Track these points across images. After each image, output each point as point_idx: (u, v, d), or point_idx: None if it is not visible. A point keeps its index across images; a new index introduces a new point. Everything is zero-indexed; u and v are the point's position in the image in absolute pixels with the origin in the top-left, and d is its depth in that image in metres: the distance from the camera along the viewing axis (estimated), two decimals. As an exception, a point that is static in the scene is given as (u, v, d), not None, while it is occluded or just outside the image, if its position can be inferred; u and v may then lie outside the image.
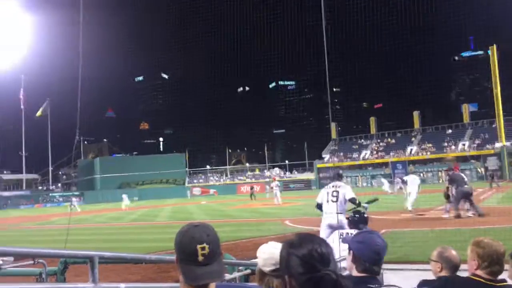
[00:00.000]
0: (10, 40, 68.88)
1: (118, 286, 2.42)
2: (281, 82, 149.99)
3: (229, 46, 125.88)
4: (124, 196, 39.91)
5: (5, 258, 5.11)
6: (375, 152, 71.28)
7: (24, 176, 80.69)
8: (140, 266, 7.72)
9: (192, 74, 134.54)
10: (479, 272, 2.93)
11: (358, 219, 5.52)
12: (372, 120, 78.75)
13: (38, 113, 77.38)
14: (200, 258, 1.66)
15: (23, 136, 77.57)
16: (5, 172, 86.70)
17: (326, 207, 7.94)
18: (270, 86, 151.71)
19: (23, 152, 78.56)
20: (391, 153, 68.17)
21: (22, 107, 77.89)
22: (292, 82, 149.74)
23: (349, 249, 2.40)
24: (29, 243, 16.88)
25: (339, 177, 8.27)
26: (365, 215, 5.64)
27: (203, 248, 1.67)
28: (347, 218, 5.85)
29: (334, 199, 7.54)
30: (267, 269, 2.38)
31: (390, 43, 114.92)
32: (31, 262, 5.33)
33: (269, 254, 2.39)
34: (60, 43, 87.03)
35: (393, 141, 72.95)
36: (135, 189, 72.01)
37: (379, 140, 74.62)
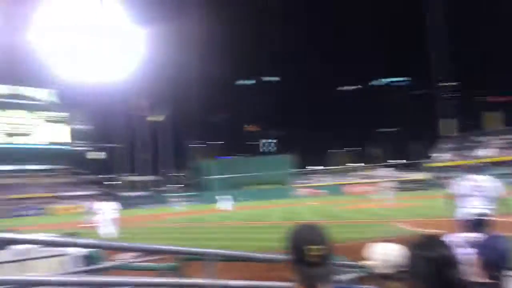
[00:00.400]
0: (125, 51, 75.25)
1: (227, 283, 2.51)
2: (389, 79, 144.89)
3: (332, 43, 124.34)
4: (226, 197, 41.16)
5: (133, 254, 5.60)
6: (497, 150, 65.63)
7: (146, 177, 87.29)
8: (249, 264, 7.90)
9: (296, 74, 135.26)
10: None
11: (479, 222, 5.06)
12: (490, 115, 72.78)
13: (158, 118, 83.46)
14: (312, 259, 1.67)
15: (146, 141, 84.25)
16: (127, 174, 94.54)
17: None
18: (377, 83, 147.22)
19: (146, 155, 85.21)
20: (515, 150, 62.35)
21: (141, 113, 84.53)
22: (402, 78, 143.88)
23: (476, 254, 2.25)
24: (152, 240, 18.17)
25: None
26: (488, 218, 5.15)
27: (314, 250, 1.67)
28: (466, 222, 5.35)
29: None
30: (383, 271, 2.31)
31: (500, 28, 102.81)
32: (154, 258, 5.77)
33: (385, 256, 2.32)
34: (172, 52, 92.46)
35: (518, 137, 66.63)
36: (242, 190, 74.16)
37: (500, 136, 68.58)
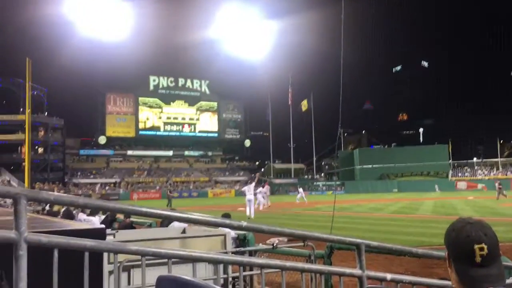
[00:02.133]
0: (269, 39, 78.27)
1: (385, 276, 2.43)
2: None
3: (493, 24, 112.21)
4: (300, 190, 40.87)
5: (280, 239, 5.79)
6: None
7: (292, 165, 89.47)
8: (402, 259, 7.62)
9: (454, 59, 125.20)
10: None
11: None
12: None
13: (303, 108, 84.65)
14: (478, 259, 1.52)
15: (291, 129, 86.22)
16: (276, 161, 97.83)
17: None
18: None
19: (291, 143, 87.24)
20: None
21: (290, 103, 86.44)
22: None
23: None
24: (297, 226, 18.59)
25: None
26: None
27: (481, 249, 1.52)
28: None
29: None
30: None
31: None
32: (301, 244, 5.88)
33: None
34: (321, 40, 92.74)
35: None
36: (394, 180, 71.50)
37: None
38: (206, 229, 5.78)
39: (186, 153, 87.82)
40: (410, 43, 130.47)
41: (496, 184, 38.81)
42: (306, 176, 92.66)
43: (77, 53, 69.14)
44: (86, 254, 2.13)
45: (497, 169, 75.87)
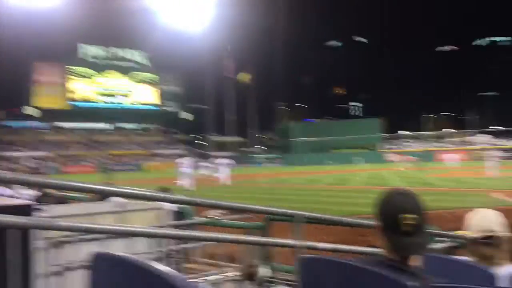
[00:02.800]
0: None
1: (316, 245, 2.51)
2: (490, 38, 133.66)
3: (427, 1, 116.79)
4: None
5: (219, 212, 5.82)
6: None
7: (230, 138, 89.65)
8: (336, 228, 7.91)
9: (387, 35, 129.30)
10: None
11: None
12: None
13: (242, 80, 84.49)
14: (405, 228, 1.59)
15: (230, 102, 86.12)
16: (215, 134, 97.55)
17: None
18: (476, 43, 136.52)
19: (230, 116, 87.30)
20: None
21: (228, 75, 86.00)
22: (506, 38, 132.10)
23: None
24: (240, 199, 18.78)
25: None
26: None
27: (410, 218, 1.59)
28: None
29: None
30: (474, 236, 2.24)
31: None
32: (241, 216, 5.95)
33: (477, 221, 2.26)
34: (260, 13, 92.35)
35: None
36: (329, 153, 73.65)
37: None
38: (145, 203, 5.67)
39: (123, 125, 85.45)
40: (346, 18, 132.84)
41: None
42: (244, 149, 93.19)
43: (2, 19, 64.62)
44: (9, 232, 2.01)
45: (425, 141, 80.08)
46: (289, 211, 2.62)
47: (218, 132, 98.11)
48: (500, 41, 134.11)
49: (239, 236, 2.75)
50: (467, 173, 32.08)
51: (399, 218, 1.60)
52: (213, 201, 2.39)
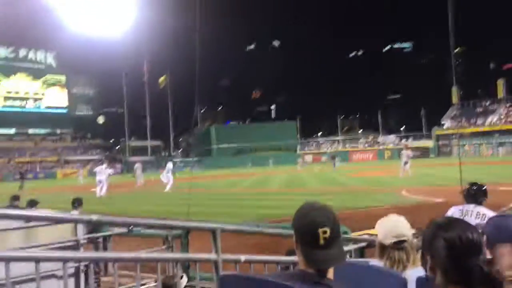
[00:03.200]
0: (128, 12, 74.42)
1: (239, 258, 2.51)
2: (396, 45, 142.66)
3: (340, 9, 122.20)
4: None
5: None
6: (503, 118, 65.14)
7: (149, 143, 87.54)
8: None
9: (302, 40, 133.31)
10: None
11: (475, 191, 4.97)
12: (501, 82, 71.79)
13: (161, 80, 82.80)
14: (322, 241, 1.63)
15: (148, 105, 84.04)
16: (132, 139, 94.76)
17: None
18: (384, 49, 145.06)
19: (148, 120, 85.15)
20: (522, 118, 61.89)
21: (145, 78, 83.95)
22: (408, 44, 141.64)
23: (482, 233, 2.20)
24: (157, 205, 18.38)
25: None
26: (484, 187, 5.08)
27: (324, 232, 1.63)
28: (462, 192, 5.21)
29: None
30: (387, 241, 2.33)
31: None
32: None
33: (389, 227, 2.35)
34: (178, 15, 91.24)
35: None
36: (249, 156, 74.41)
37: (508, 104, 67.96)
38: (56, 214, 5.36)
39: (31, 131, 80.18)
40: (263, 22, 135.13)
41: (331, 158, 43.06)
42: (163, 153, 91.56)
43: None
44: None
45: (339, 142, 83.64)
46: (207, 226, 2.59)
47: (136, 137, 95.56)
48: (405, 47, 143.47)
49: (159, 254, 2.67)
50: (378, 172, 33.92)
51: (315, 232, 1.64)
52: (130, 219, 2.29)
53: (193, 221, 2.65)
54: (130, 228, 5.56)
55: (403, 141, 76.33)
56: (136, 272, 2.57)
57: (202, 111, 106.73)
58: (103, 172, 25.00)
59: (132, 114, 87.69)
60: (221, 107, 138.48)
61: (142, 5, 76.48)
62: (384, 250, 2.37)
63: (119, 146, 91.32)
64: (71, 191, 28.72)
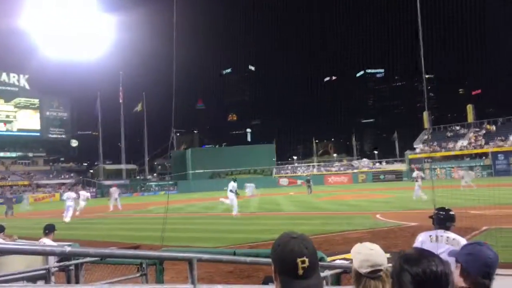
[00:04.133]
0: (104, 37, 74.01)
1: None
2: (369, 71, 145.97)
3: (316, 35, 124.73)
4: (248, 185, 43.00)
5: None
6: (473, 142, 66.86)
7: (123, 166, 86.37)
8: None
9: (278, 65, 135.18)
10: None
11: (443, 217, 5.07)
12: (470, 107, 73.84)
13: (139, 108, 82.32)
14: (300, 271, 1.63)
15: (122, 129, 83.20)
16: (107, 162, 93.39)
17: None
18: (358, 74, 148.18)
19: (123, 143, 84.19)
20: (491, 143, 63.55)
21: (120, 101, 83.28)
22: (381, 70, 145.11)
23: (457, 261, 2.24)
24: (132, 230, 18.03)
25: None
26: (452, 212, 5.19)
27: (303, 262, 1.64)
28: (430, 217, 5.32)
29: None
30: (363, 270, 2.32)
31: (490, 23, 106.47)
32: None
33: (365, 255, 2.33)
34: (153, 39, 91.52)
35: (494, 129, 67.88)
36: (225, 179, 74.04)
37: (477, 129, 69.86)
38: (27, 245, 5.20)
39: (2, 154, 78.29)
40: (239, 48, 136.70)
41: (305, 181, 43.62)
42: (138, 177, 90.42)
43: None
44: None
45: (314, 166, 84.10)
46: (183, 255, 2.55)
47: (111, 160, 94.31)
48: (377, 72, 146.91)
49: (133, 286, 2.60)
50: (353, 196, 34.16)
51: (295, 263, 1.64)
52: (106, 251, 2.25)
53: (168, 250, 2.60)
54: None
55: (373, 164, 77.45)
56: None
57: (178, 134, 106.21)
58: (71, 197, 25.09)
59: (106, 138, 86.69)
60: (197, 130, 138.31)
61: (118, 29, 76.46)
62: (360, 278, 2.36)
63: (92, 170, 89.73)
64: (42, 216, 27.98)
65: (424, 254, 1.61)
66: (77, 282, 4.84)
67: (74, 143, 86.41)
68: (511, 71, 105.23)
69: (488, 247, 2.28)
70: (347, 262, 6.11)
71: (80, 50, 77.25)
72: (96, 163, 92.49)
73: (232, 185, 23.26)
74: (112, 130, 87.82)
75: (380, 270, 2.29)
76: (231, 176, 77.02)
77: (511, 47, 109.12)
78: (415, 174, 28.56)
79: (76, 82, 79.36)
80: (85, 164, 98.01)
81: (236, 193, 23.25)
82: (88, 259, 6.03)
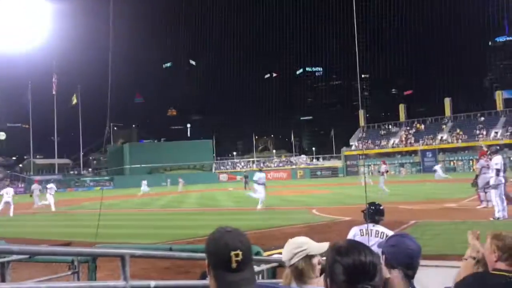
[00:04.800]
0: (38, 25, 70.25)
1: (149, 284, 2.44)
2: (308, 69, 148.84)
3: (256, 32, 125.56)
4: (144, 182, 40.57)
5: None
6: (404, 140, 70.13)
7: (56, 160, 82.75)
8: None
9: (219, 60, 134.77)
10: (499, 264, 2.84)
11: (373, 211, 5.34)
12: (402, 107, 77.37)
13: (74, 101, 78.99)
14: (234, 265, 1.65)
15: (55, 122, 79.52)
16: (38, 156, 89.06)
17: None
18: (297, 72, 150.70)
19: (55, 137, 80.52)
20: (420, 141, 66.98)
21: (54, 92, 79.57)
22: (320, 68, 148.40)
23: (382, 253, 2.34)
24: (64, 227, 17.34)
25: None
26: (381, 207, 5.47)
27: (236, 255, 1.65)
28: (362, 211, 5.58)
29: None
30: (296, 261, 2.33)
31: (422, 28, 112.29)
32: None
33: (296, 249, 2.35)
34: (90, 29, 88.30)
35: (423, 128, 71.59)
36: (163, 174, 72.95)
37: (408, 128, 73.37)
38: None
39: None
40: (180, 42, 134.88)
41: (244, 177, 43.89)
42: (72, 172, 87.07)
43: None
44: None
45: (253, 162, 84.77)
46: (115, 252, 2.49)
47: (43, 154, 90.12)
48: (316, 71, 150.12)
49: (61, 283, 2.51)
50: (291, 191, 34.78)
51: (228, 256, 1.65)
52: (35, 248, 2.15)
53: (100, 247, 2.54)
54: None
55: (311, 160, 79.24)
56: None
57: (115, 128, 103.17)
58: (10, 193, 23.72)
59: (38, 131, 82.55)
60: (135, 125, 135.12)
61: (51, 19, 72.74)
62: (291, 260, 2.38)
63: (22, 164, 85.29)
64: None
65: (355, 245, 1.67)
66: (3, 280, 4.59)
67: (2, 135, 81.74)
68: (441, 73, 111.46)
69: (410, 238, 2.40)
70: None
71: (8, 39, 72.82)
72: (26, 157, 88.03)
73: (259, 176, 21.04)
74: (45, 123, 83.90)
75: (304, 250, 2.32)
76: (170, 172, 76.09)
77: (441, 50, 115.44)
78: (382, 168, 29.49)
79: (4, 73, 74.86)
80: (14, 158, 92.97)
81: (264, 185, 20.99)
82: (14, 257, 5.74)
